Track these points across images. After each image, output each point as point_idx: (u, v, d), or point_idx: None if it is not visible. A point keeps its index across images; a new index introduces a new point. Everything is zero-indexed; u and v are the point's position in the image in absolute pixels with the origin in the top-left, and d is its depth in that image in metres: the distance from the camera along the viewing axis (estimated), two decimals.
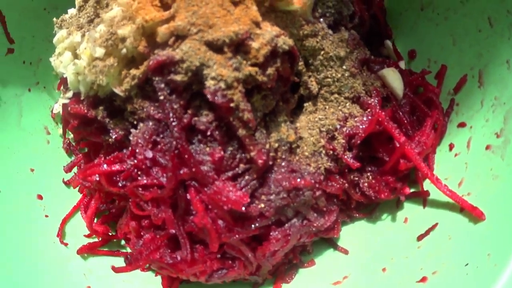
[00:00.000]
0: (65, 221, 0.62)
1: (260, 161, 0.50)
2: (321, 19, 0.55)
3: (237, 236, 0.52)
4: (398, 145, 0.58)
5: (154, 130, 0.51)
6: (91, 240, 0.62)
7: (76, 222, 0.63)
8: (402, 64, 0.62)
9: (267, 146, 0.51)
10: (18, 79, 0.65)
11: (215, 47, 0.46)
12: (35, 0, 0.66)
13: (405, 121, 0.60)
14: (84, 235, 0.62)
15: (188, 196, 0.51)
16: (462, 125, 0.61)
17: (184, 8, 0.48)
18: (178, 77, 0.47)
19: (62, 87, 0.66)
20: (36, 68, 0.68)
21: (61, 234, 0.61)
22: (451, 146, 0.61)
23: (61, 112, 0.65)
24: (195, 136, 0.50)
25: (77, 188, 0.65)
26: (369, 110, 0.57)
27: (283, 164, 0.52)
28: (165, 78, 0.48)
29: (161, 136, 0.51)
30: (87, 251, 0.61)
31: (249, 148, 0.49)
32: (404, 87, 0.61)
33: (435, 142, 0.62)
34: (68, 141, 0.67)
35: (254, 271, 0.57)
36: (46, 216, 0.62)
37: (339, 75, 0.56)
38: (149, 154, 0.51)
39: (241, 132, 0.48)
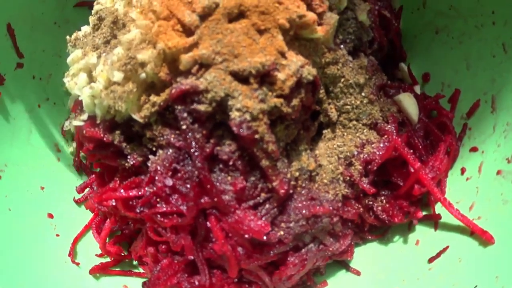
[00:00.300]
0: (76, 241, 0.61)
1: (282, 191, 0.49)
2: (342, 46, 0.55)
3: (255, 262, 0.52)
4: (412, 171, 0.58)
5: (175, 158, 0.50)
6: (103, 260, 0.61)
7: (87, 241, 0.62)
8: (417, 89, 0.62)
9: (289, 175, 0.51)
10: (27, 95, 0.63)
11: (241, 77, 0.46)
12: (46, 13, 0.64)
13: (420, 146, 0.60)
14: (96, 255, 0.62)
15: (208, 224, 0.51)
16: (474, 149, 0.62)
17: (208, 35, 0.47)
18: (202, 107, 0.46)
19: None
20: (46, 83, 0.65)
21: (72, 253, 0.60)
22: (463, 170, 0.62)
23: (72, 129, 0.63)
24: (217, 165, 0.49)
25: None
26: (386, 136, 0.57)
27: (303, 192, 0.52)
28: (188, 107, 0.47)
29: (181, 164, 0.50)
30: (100, 271, 0.60)
31: (272, 178, 0.49)
32: (419, 112, 0.61)
33: (448, 167, 0.62)
34: (79, 160, 0.65)
35: None
36: (57, 235, 0.60)
37: (358, 102, 0.56)
38: (169, 182, 0.50)
39: (264, 162, 0.48)
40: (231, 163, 0.49)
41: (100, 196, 0.54)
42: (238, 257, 0.51)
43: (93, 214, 0.63)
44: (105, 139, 0.52)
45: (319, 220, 0.53)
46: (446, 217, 0.60)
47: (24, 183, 0.60)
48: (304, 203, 0.52)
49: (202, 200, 0.49)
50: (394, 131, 0.57)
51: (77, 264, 0.60)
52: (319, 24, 0.52)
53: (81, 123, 0.55)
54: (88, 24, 0.58)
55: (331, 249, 0.56)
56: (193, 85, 0.46)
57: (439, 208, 0.61)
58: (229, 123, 0.46)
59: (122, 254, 0.61)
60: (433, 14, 0.65)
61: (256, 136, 0.46)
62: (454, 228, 0.60)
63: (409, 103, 0.60)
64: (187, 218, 0.50)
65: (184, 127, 0.48)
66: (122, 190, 0.53)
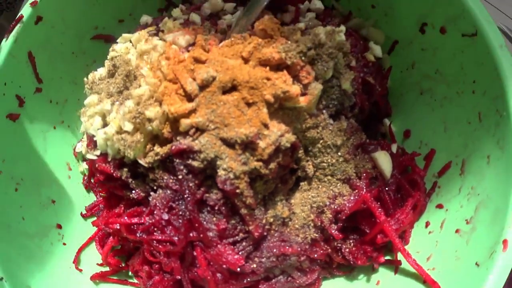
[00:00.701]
0: (80, 250, 0.90)
1: (256, 234, 0.76)
2: (324, 110, 0.80)
3: (231, 287, 0.80)
4: (378, 222, 0.84)
5: (171, 198, 0.77)
6: (103, 269, 0.90)
7: (90, 252, 0.91)
8: (393, 148, 0.87)
9: (264, 221, 0.77)
10: (44, 117, 0.90)
11: (228, 143, 0.72)
12: (64, 44, 0.90)
13: (388, 201, 0.85)
14: (97, 264, 0.90)
15: (195, 253, 0.78)
16: (439, 206, 0.87)
17: (205, 104, 0.72)
18: (195, 163, 0.73)
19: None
20: (62, 108, 0.93)
21: (76, 261, 0.89)
22: (427, 224, 0.87)
23: (83, 152, 0.91)
24: (205, 207, 0.76)
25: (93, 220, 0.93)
26: (356, 191, 0.83)
27: (275, 234, 0.79)
28: (184, 161, 0.73)
29: (176, 203, 0.77)
30: (99, 278, 0.89)
31: (248, 223, 0.76)
32: (393, 169, 0.86)
33: (413, 219, 0.88)
34: (89, 180, 0.93)
35: None
36: (64, 244, 0.89)
37: (334, 161, 0.81)
38: (165, 216, 0.77)
39: (243, 211, 0.74)
40: (216, 208, 0.75)
41: (107, 220, 0.82)
42: (216, 281, 0.79)
43: (97, 228, 0.91)
44: (114, 174, 0.80)
45: (287, 258, 0.80)
46: (406, 264, 0.86)
47: (37, 196, 0.88)
48: (276, 243, 0.79)
49: (191, 234, 0.77)
50: (364, 187, 0.83)
51: (80, 270, 0.89)
52: (304, 94, 0.76)
53: (94, 157, 0.82)
54: (102, 59, 0.85)
55: (298, 281, 0.84)
56: (190, 146, 0.72)
57: (401, 255, 0.87)
58: (216, 180, 0.72)
59: (121, 265, 0.90)
60: (420, 76, 0.89)
61: (237, 191, 0.72)
62: (411, 275, 0.86)
63: (383, 161, 0.85)
64: (177, 247, 0.77)
65: (180, 176, 0.74)
66: (126, 217, 0.81)
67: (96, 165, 0.81)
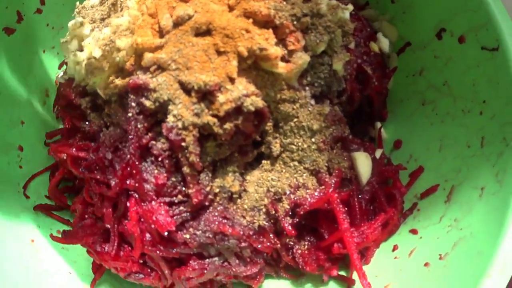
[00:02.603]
0: (34, 177, 0.75)
1: (195, 200, 0.58)
2: (307, 87, 0.61)
3: (158, 252, 0.62)
4: (339, 229, 0.64)
5: (119, 137, 0.61)
6: (49, 202, 0.75)
7: (44, 182, 0.76)
8: (378, 153, 0.67)
9: (208, 188, 0.59)
10: (37, 39, 0.78)
11: (185, 88, 0.55)
12: None
13: (357, 209, 0.65)
14: (45, 196, 0.75)
15: (128, 204, 0.61)
16: (413, 231, 0.65)
17: (173, 42, 0.56)
18: (147, 103, 0.56)
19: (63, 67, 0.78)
20: (56, 33, 0.80)
21: (27, 187, 0.74)
22: (395, 247, 0.66)
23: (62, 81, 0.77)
24: (150, 156, 0.59)
25: None
26: (323, 187, 0.63)
27: (218, 208, 0.60)
28: (138, 99, 0.57)
29: (123, 144, 0.61)
30: (42, 210, 0.74)
31: (189, 185, 0.58)
32: (372, 175, 0.66)
33: (381, 238, 0.67)
34: (53, 105, 0.79)
35: (169, 286, 0.67)
36: (21, 167, 0.75)
37: (305, 146, 0.62)
38: (109, 155, 0.61)
39: (185, 169, 0.57)
40: (160, 159, 0.58)
41: (57, 147, 0.67)
42: (143, 242, 0.61)
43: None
44: (74, 101, 0.65)
45: (226, 238, 0.61)
46: (359, 286, 0.65)
47: (9, 113, 0.74)
48: (216, 218, 0.60)
49: (128, 182, 0.60)
50: (333, 185, 0.63)
51: (27, 197, 0.74)
52: (287, 61, 0.59)
53: (63, 81, 0.68)
54: None
55: (234, 269, 0.64)
56: (146, 82, 0.56)
57: (357, 274, 0.66)
58: (162, 125, 0.55)
59: (66, 203, 0.74)
60: (426, 85, 0.69)
61: (183, 144, 0.55)
62: None
63: (362, 163, 0.65)
64: (111, 191, 0.61)
65: (130, 114, 0.58)
66: (74, 149, 0.65)
67: (61, 89, 0.67)
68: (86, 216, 0.67)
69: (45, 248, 0.71)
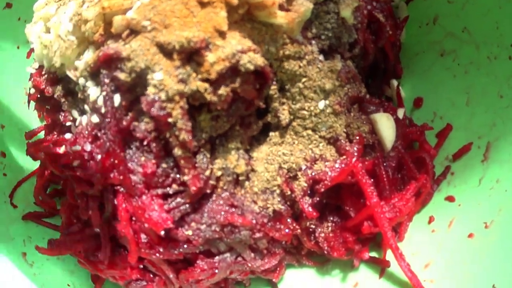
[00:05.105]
0: (20, 184, 0.57)
1: (193, 188, 0.40)
2: (313, 41, 0.43)
3: (157, 255, 0.43)
4: (368, 204, 0.45)
5: (97, 124, 0.42)
6: (38, 210, 0.56)
7: (30, 188, 0.57)
8: (400, 113, 0.48)
9: (207, 172, 0.41)
10: (10, 35, 0.59)
11: (165, 50, 0.36)
12: None
13: (385, 179, 0.46)
14: (34, 203, 0.57)
15: (115, 201, 0.43)
16: (450, 199, 0.47)
17: (147, 0, 0.38)
18: (122, 75, 0.38)
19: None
20: None
21: (12, 195, 0.56)
22: (431, 219, 0.48)
23: None
24: (134, 141, 0.41)
25: None
26: (344, 157, 0.45)
27: (223, 195, 0.42)
28: (111, 73, 0.39)
29: (103, 131, 0.42)
30: (31, 218, 0.55)
31: (184, 171, 0.39)
32: (396, 138, 0.48)
33: (414, 210, 0.48)
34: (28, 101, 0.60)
35: None
36: (4, 174, 0.56)
37: (318, 110, 0.43)
38: (88, 147, 0.43)
39: (177, 152, 0.39)
40: (145, 143, 0.40)
41: (33, 146, 0.48)
42: (139, 244, 0.43)
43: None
44: (45, 91, 0.46)
45: (236, 230, 0.43)
46: (396, 267, 0.46)
47: None
48: (222, 207, 0.42)
49: (112, 175, 0.41)
50: (356, 153, 0.44)
51: (15, 206, 0.55)
52: (286, 10, 0.40)
53: (33, 71, 0.49)
54: None
55: (250, 264, 0.46)
56: (118, 51, 0.38)
57: (391, 254, 0.47)
58: (140, 99, 0.37)
59: (57, 209, 0.56)
60: (443, 33, 0.51)
61: (170, 120, 0.37)
62: (400, 283, 0.46)
63: (385, 126, 0.47)
64: (94, 188, 0.42)
65: (104, 93, 0.40)
66: (51, 145, 0.47)
67: (32, 79, 0.48)
68: (75, 220, 0.49)
69: (38, 261, 0.53)
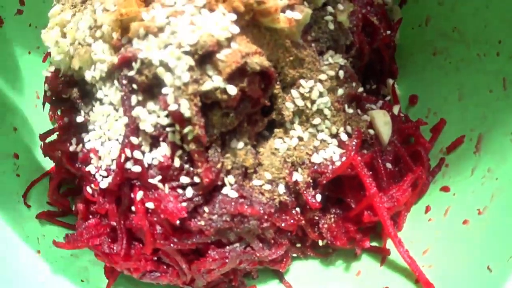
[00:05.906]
0: (33, 184, 0.60)
1: (206, 180, 0.44)
2: (313, 44, 0.48)
3: (172, 245, 0.47)
4: (367, 195, 0.50)
5: None
6: (52, 209, 0.60)
7: (44, 188, 0.61)
8: (396, 109, 0.53)
9: (219, 165, 0.45)
10: (21, 40, 0.63)
11: (182, 53, 0.41)
12: None
13: (382, 171, 0.51)
14: (47, 202, 0.60)
15: (132, 195, 0.47)
16: (445, 189, 0.52)
17: (161, 4, 0.42)
18: (138, 77, 0.42)
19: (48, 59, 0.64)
20: (40, 32, 0.65)
21: (26, 195, 0.59)
22: (427, 209, 0.52)
23: None
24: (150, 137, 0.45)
25: None
26: (344, 151, 0.49)
27: (233, 187, 0.46)
28: (129, 75, 0.43)
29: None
30: (46, 217, 0.59)
31: (197, 164, 0.44)
32: (393, 134, 0.52)
33: (411, 201, 0.53)
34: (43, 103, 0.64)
35: (188, 282, 0.52)
36: (18, 175, 0.60)
37: (319, 108, 0.48)
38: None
39: (191, 146, 0.43)
40: (161, 139, 0.44)
41: (50, 146, 0.53)
42: (154, 235, 0.47)
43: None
44: (62, 94, 0.51)
45: (245, 220, 0.47)
46: (395, 255, 0.51)
47: (0, 121, 0.60)
48: (232, 198, 0.46)
49: (128, 170, 0.46)
50: (355, 147, 0.49)
51: (28, 206, 0.59)
52: (287, 16, 0.45)
53: (49, 74, 0.53)
54: None
55: (258, 254, 0.50)
56: (135, 53, 0.42)
57: (391, 243, 0.52)
58: (159, 98, 0.41)
59: (70, 207, 0.60)
60: (435, 34, 0.56)
61: (185, 116, 0.41)
62: (400, 270, 0.50)
63: (382, 122, 0.52)
64: (111, 183, 0.46)
65: (122, 93, 0.44)
66: (68, 144, 0.51)
67: (48, 82, 0.52)
68: (90, 216, 0.53)
69: (52, 258, 0.57)
